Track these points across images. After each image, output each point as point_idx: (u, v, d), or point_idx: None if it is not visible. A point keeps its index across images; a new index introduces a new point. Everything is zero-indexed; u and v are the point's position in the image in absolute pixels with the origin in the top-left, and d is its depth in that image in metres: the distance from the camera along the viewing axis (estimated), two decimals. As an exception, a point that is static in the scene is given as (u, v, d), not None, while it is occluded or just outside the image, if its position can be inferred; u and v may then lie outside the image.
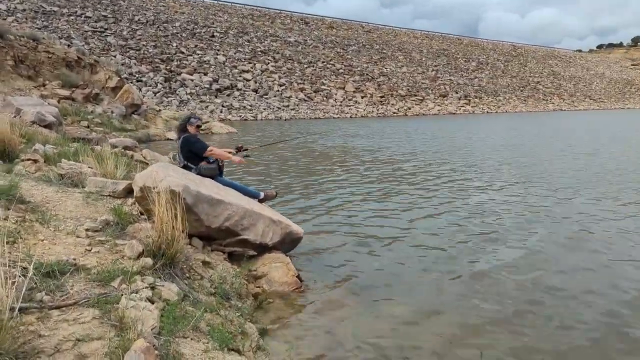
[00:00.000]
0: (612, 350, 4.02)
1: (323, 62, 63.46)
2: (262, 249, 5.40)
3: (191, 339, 3.11)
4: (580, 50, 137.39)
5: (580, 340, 4.16)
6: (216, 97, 45.80)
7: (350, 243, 6.81)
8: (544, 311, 4.67)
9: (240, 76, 51.54)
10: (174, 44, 52.67)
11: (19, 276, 2.96)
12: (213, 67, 50.94)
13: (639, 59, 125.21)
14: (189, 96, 43.81)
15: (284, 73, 56.13)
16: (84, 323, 2.76)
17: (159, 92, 42.46)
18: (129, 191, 5.38)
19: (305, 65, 60.40)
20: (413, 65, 74.82)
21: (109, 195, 5.21)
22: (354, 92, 58.33)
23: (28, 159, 6.00)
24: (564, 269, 5.83)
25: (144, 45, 50.06)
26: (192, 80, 46.63)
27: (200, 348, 3.05)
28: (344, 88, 58.31)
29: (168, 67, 47.40)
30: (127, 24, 53.44)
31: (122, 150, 12.56)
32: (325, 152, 18.23)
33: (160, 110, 27.31)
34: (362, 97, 57.83)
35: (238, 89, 48.80)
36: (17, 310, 2.52)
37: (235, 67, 53.05)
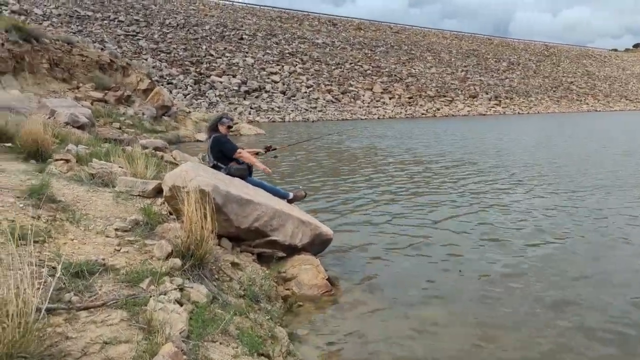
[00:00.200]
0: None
1: (351, 63, 63.28)
2: (292, 250, 5.29)
3: (220, 343, 3.01)
4: (615, 50, 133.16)
5: (612, 349, 3.92)
6: (244, 99, 46.14)
7: (378, 244, 6.67)
8: (575, 317, 4.44)
9: (268, 78, 51.81)
10: (204, 47, 53.31)
11: (48, 276, 2.92)
12: (242, 69, 51.35)
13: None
14: (218, 98, 44.26)
15: (311, 75, 56.17)
16: (111, 325, 2.69)
17: (188, 94, 43.02)
18: (158, 191, 5.35)
19: (333, 67, 60.33)
20: (442, 65, 73.93)
21: (139, 195, 5.19)
22: (381, 93, 57.96)
23: (60, 159, 6.04)
24: (598, 272, 5.57)
25: (174, 48, 50.83)
26: (221, 82, 47.10)
27: (230, 353, 2.95)
28: (371, 89, 58.00)
29: (198, 70, 48.00)
30: (158, 28, 54.36)
31: (153, 151, 12.68)
32: (352, 152, 18.08)
33: (189, 112, 27.61)
34: (390, 98, 57.41)
35: (266, 91, 49.06)
36: (43, 310, 2.47)
37: (263, 69, 53.35)
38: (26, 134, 6.21)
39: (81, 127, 11.36)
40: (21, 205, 3.92)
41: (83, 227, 3.97)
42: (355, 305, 4.67)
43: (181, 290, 3.35)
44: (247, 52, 55.91)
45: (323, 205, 8.98)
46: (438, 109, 58.24)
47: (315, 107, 49.16)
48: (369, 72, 62.47)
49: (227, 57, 53.04)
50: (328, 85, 55.20)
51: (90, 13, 51.71)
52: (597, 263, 5.91)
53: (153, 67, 42.61)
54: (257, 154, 6.69)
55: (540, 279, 5.38)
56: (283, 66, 55.55)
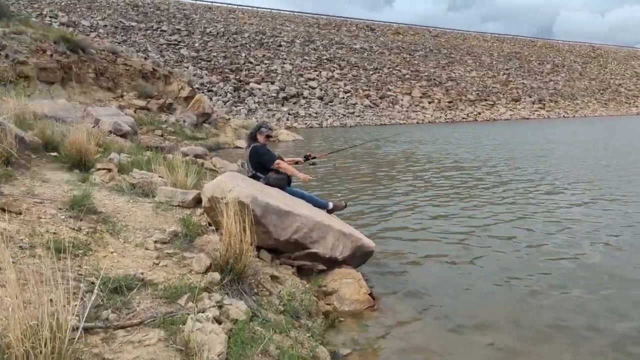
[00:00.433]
0: None
1: (389, 68, 62.79)
2: (332, 263, 5.13)
3: (260, 365, 2.89)
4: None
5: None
6: (283, 105, 46.41)
7: (419, 254, 6.44)
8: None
9: (306, 84, 51.98)
10: (243, 54, 54.01)
11: (86, 292, 2.87)
12: (280, 75, 51.73)
13: None
14: (256, 105, 44.69)
15: (349, 80, 56.03)
16: (148, 346, 2.60)
17: (228, 101, 43.62)
18: (197, 201, 5.31)
19: (371, 72, 60.01)
20: (483, 69, 72.41)
21: (178, 205, 5.16)
22: (420, 97, 57.20)
23: (103, 168, 6.10)
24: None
25: (214, 56, 51.70)
26: (259, 89, 47.56)
27: (270, 376, 2.82)
28: (410, 94, 57.33)
29: (237, 77, 48.64)
30: (199, 36, 55.44)
31: (193, 158, 12.82)
32: (390, 158, 17.79)
33: (229, 118, 27.93)
34: (430, 103, 56.58)
35: (304, 97, 49.22)
36: (80, 330, 2.40)
37: (301, 75, 53.58)
38: (70, 143, 6.31)
39: (124, 135, 11.57)
40: (63, 217, 3.92)
41: (122, 240, 3.95)
42: (399, 322, 4.47)
43: (220, 307, 3.25)
44: (285, 59, 56.31)
45: (360, 213, 8.78)
46: (479, 113, 57.00)
47: (353, 113, 48.95)
48: (407, 76, 61.81)
49: (266, 64, 53.55)
50: (366, 90, 54.91)
51: (134, 23, 53.25)
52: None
53: (194, 75, 43.42)
54: (296, 163, 6.58)
55: (592, 291, 5.11)
56: (321, 72, 55.63)
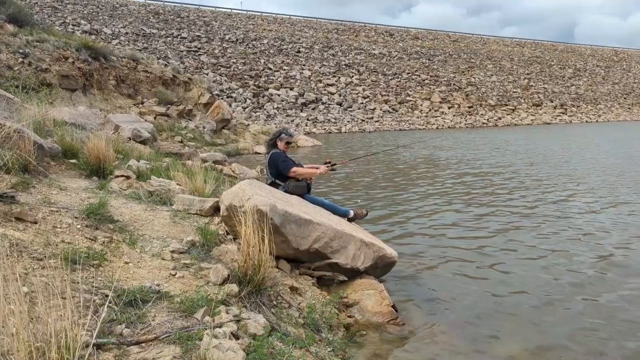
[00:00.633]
0: None
1: (408, 73, 62.43)
2: (353, 273, 4.97)
3: (279, 385, 2.75)
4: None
5: None
6: (302, 111, 46.44)
7: (442, 265, 6.23)
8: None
9: (325, 90, 51.97)
10: (262, 61, 54.26)
11: (99, 305, 2.77)
12: (299, 81, 51.81)
13: None
14: (275, 110, 44.79)
15: (368, 85, 55.86)
16: (163, 364, 2.48)
17: (247, 107, 43.80)
18: (216, 209, 5.21)
19: (390, 77, 59.74)
20: (503, 74, 71.54)
21: (196, 214, 5.06)
22: (440, 102, 56.72)
23: (121, 175, 6.04)
24: None
25: (234, 62, 52.03)
26: (278, 95, 47.68)
27: (290, 397, 2.67)
28: (429, 99, 56.90)
29: (256, 83, 48.85)
30: (219, 43, 55.87)
31: (212, 164, 12.79)
32: (410, 164, 17.54)
33: (248, 124, 27.97)
34: (449, 108, 56.06)
35: (323, 103, 49.19)
36: (92, 346, 2.28)
37: (320, 81, 53.59)
38: (89, 150, 6.27)
39: (143, 141, 11.59)
40: (79, 226, 3.84)
41: (139, 249, 3.85)
42: (425, 336, 4.29)
43: (237, 321, 3.12)
44: (304, 65, 56.40)
45: (381, 222, 8.58)
46: (499, 118, 56.27)
47: (372, 118, 48.75)
48: (426, 81, 61.37)
49: (285, 70, 53.71)
50: (385, 95, 54.67)
51: (155, 31, 53.91)
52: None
53: (213, 82, 43.73)
54: (316, 169, 6.44)
55: (620, 298, 4.94)
56: (339, 77, 55.58)
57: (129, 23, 53.75)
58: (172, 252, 3.91)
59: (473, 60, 74.06)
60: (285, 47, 60.05)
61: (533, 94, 66.49)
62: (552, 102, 65.29)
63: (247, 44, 57.71)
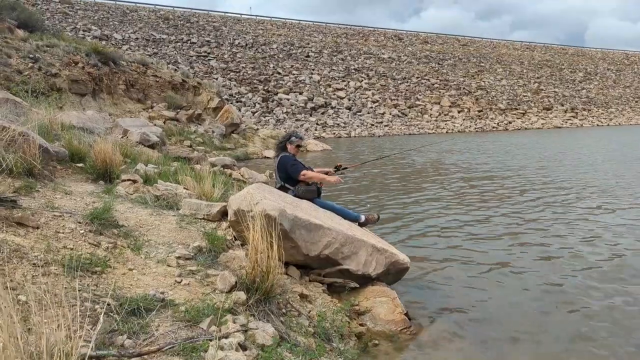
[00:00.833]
0: None
1: (417, 77, 62.19)
2: (365, 280, 4.81)
3: (288, 400, 2.60)
4: None
5: None
6: (311, 115, 46.36)
7: (454, 272, 6.06)
8: None
9: (334, 94, 51.88)
10: (271, 65, 54.31)
11: (100, 314, 2.64)
12: (308, 86, 51.77)
13: None
14: (285, 115, 44.75)
15: (377, 90, 55.69)
16: (165, 378, 2.34)
17: (257, 111, 43.81)
18: (223, 213, 5.07)
19: (399, 81, 59.54)
20: (513, 77, 71.05)
21: (203, 218, 4.93)
22: (449, 106, 56.39)
23: (128, 180, 5.94)
24: None
25: (243, 67, 52.13)
26: (288, 99, 47.65)
27: (300, 413, 2.52)
28: (439, 103, 56.59)
29: (265, 88, 48.88)
30: (228, 48, 56.04)
31: (221, 168, 12.71)
32: (419, 168, 17.32)
33: (258, 129, 27.92)
34: (459, 112, 55.72)
35: (332, 107, 49.09)
36: (87, 359, 2.15)
37: (329, 85, 53.52)
38: (96, 154, 6.18)
39: (152, 145, 11.53)
40: (82, 231, 3.73)
41: (144, 255, 3.72)
42: (439, 346, 4.12)
43: (245, 331, 2.98)
44: (313, 69, 56.37)
45: (391, 227, 8.40)
46: (510, 122, 55.81)
47: (381, 122, 48.54)
48: (436, 85, 61.08)
49: (294, 74, 53.71)
50: (394, 99, 54.46)
51: (164, 36, 54.19)
52: None
53: (223, 86, 43.81)
54: (326, 173, 6.30)
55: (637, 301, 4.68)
56: (349, 82, 55.47)
57: (139, 29, 54.10)
58: (178, 258, 3.78)
59: (483, 64, 73.69)
60: (294, 51, 60.11)
61: (543, 97, 65.96)
62: (562, 105, 64.71)
63: (256, 49, 57.83)
